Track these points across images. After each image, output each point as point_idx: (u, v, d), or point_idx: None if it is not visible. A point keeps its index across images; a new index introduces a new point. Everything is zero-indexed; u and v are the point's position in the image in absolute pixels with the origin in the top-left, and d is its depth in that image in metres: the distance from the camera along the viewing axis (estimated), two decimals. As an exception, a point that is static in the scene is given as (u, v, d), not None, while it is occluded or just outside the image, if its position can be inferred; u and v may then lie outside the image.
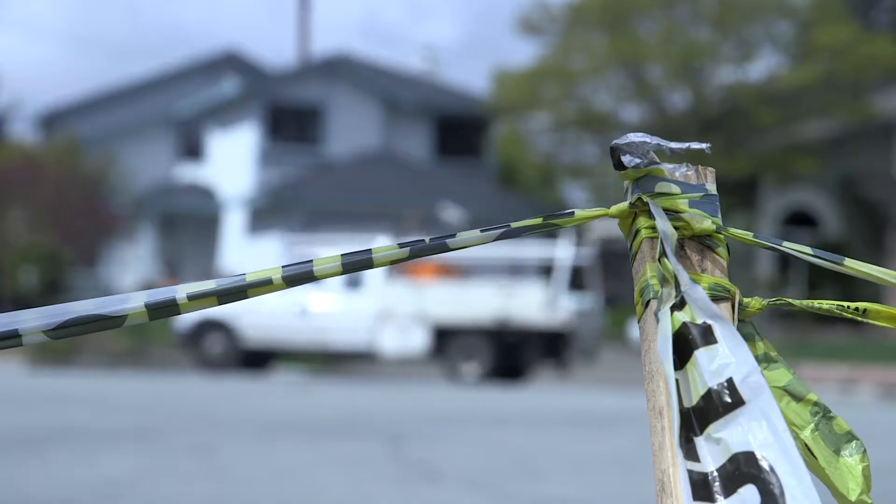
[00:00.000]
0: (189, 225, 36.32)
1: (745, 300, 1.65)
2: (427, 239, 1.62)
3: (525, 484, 8.66)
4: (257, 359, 22.53)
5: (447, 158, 37.28)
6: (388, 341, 21.66)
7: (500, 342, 21.72)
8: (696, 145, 1.61)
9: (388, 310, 21.68)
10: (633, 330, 28.21)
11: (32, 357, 22.70)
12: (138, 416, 12.92)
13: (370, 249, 1.61)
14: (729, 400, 1.46)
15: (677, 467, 1.48)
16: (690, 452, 1.47)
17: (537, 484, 8.70)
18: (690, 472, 1.46)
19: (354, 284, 21.71)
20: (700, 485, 1.45)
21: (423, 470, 9.20)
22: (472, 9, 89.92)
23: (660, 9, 31.00)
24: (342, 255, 1.61)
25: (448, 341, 21.77)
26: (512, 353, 21.92)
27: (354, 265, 1.61)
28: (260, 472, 8.93)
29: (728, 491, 1.43)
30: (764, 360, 1.69)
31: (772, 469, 1.41)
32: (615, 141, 1.62)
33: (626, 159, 1.61)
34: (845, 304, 1.70)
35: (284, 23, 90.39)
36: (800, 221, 32.35)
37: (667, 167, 1.62)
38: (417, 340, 21.68)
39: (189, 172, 38.32)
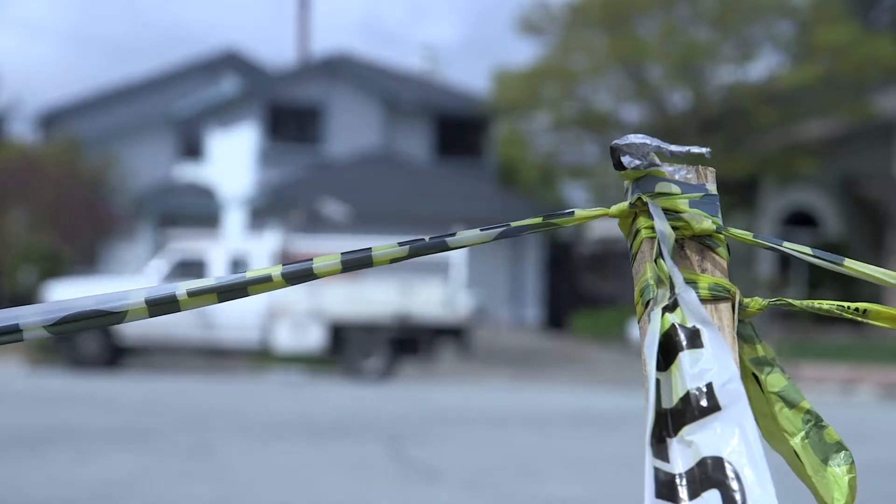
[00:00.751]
0: (189, 225, 36.26)
1: (746, 300, 1.64)
2: (426, 238, 1.62)
3: (525, 484, 8.65)
4: (119, 354, 22.03)
5: (447, 158, 37.26)
6: (283, 338, 21.55)
7: (400, 339, 21.91)
8: (696, 149, 1.61)
9: (282, 307, 21.65)
10: (634, 330, 28.22)
11: (32, 357, 22.68)
12: (138, 416, 12.90)
13: (370, 248, 1.61)
14: (706, 404, 1.46)
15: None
16: (661, 452, 1.47)
17: (537, 484, 8.69)
18: (658, 471, 1.45)
19: None
20: (666, 485, 1.45)
21: (423, 470, 9.19)
22: (472, 9, 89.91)
23: (660, 9, 30.98)
24: (342, 253, 1.61)
25: (346, 338, 21.80)
26: (412, 350, 22.11)
27: (354, 263, 1.61)
28: (259, 473, 8.92)
29: (692, 494, 1.43)
30: (762, 364, 1.69)
31: (738, 477, 1.41)
32: (615, 141, 1.62)
33: (625, 160, 1.61)
34: (845, 304, 1.70)
35: (284, 23, 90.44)
36: (800, 221, 32.33)
37: (667, 169, 1.62)
38: (313, 337, 21.65)
39: (189, 172, 38.31)
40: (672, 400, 1.48)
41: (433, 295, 22.00)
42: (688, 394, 1.47)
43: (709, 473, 1.42)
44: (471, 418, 13.73)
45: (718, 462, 1.42)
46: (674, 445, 1.47)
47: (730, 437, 1.43)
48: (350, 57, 38.02)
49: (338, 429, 12.12)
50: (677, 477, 1.44)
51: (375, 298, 21.78)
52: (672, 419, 1.47)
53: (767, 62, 31.89)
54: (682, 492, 1.43)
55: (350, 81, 36.28)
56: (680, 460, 1.45)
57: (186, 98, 39.06)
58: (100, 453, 9.68)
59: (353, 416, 13.64)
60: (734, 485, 1.40)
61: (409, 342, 21.99)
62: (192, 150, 38.76)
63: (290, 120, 36.26)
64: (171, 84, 40.53)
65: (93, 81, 67.04)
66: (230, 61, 41.60)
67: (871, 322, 1.68)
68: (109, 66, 72.77)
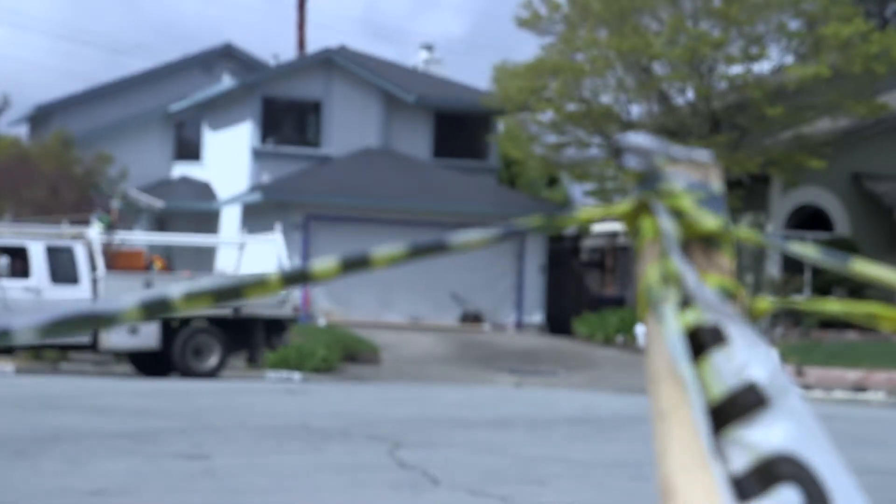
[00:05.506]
0: (184, 222, 36.14)
1: (752, 301, 1.62)
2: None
3: (527, 491, 8.58)
4: None
5: (448, 155, 37.07)
6: (115, 335, 21.27)
7: (233, 332, 22.06)
8: (698, 153, 1.60)
9: None
10: (640, 330, 28.23)
11: (17, 360, 22.54)
12: (131, 420, 12.76)
13: (369, 250, 1.60)
14: (753, 400, 1.44)
15: (686, 471, 1.45)
16: (712, 453, 1.45)
17: (540, 490, 8.63)
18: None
19: (70, 280, 21.31)
20: (727, 483, 1.43)
21: (423, 475, 9.12)
22: (474, 4, 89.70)
23: (665, 2, 30.84)
24: (341, 256, 1.60)
25: (179, 333, 21.76)
26: (244, 343, 22.36)
27: (353, 265, 1.60)
28: (257, 478, 8.85)
29: (762, 490, 1.41)
30: None
31: (809, 467, 1.39)
32: (619, 140, 1.61)
33: (628, 160, 1.59)
34: (853, 306, 1.68)
35: (283, 18, 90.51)
36: (809, 219, 32.19)
37: (670, 170, 1.60)
38: (147, 334, 21.53)
39: (185, 169, 38.19)
40: (705, 399, 1.46)
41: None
42: (730, 391, 1.44)
43: (777, 469, 1.41)
44: (472, 422, 13.67)
45: (784, 456, 1.40)
46: (724, 444, 1.44)
47: (788, 429, 1.41)
48: (349, 52, 37.91)
49: (337, 432, 12.06)
50: (738, 474, 1.42)
51: None
52: (714, 417, 1.45)
53: (776, 58, 31.77)
54: (749, 489, 1.41)
55: (349, 77, 36.12)
56: (736, 458, 1.43)
57: (182, 94, 38.84)
58: (92, 459, 9.56)
59: (352, 420, 13.58)
60: (808, 475, 1.39)
61: (240, 338, 22.26)
62: (188, 146, 38.65)
63: (287, 116, 36.18)
64: (166, 80, 40.23)
65: (87, 78, 66.98)
66: (227, 57, 41.31)
67: (878, 325, 1.66)
68: (104, 62, 72.77)
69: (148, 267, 22.46)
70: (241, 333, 22.25)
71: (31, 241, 21.66)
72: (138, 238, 25.03)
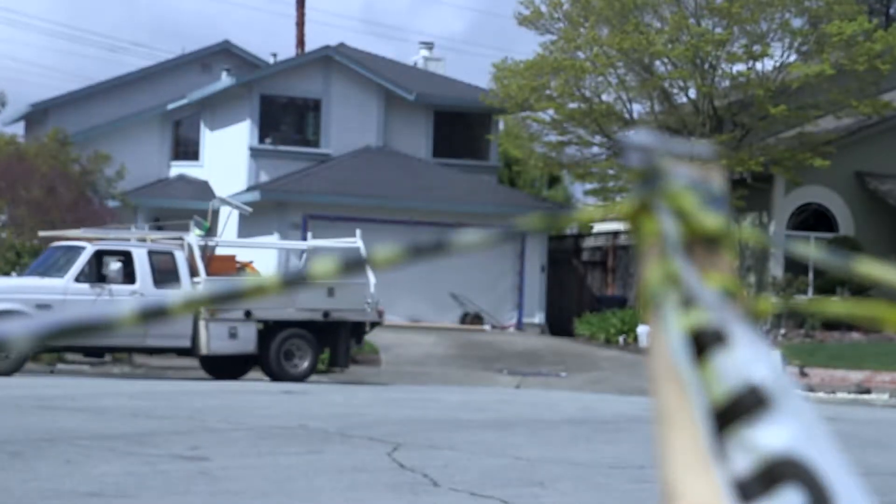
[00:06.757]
0: (181, 222, 36.05)
1: (754, 302, 1.61)
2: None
3: (529, 493, 8.56)
4: None
5: (448, 154, 37.03)
6: (215, 339, 21.34)
7: (324, 335, 22.15)
8: (701, 148, 1.58)
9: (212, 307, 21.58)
10: (642, 331, 28.24)
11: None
12: (129, 421, 12.71)
13: (369, 252, 1.59)
14: (754, 400, 1.42)
15: (688, 473, 1.44)
16: (716, 454, 1.44)
17: (542, 493, 8.61)
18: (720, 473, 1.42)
19: (172, 285, 21.15)
20: (730, 485, 1.42)
21: (423, 476, 9.09)
22: (475, 1, 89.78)
23: (668, 0, 30.83)
24: (340, 258, 1.58)
25: (274, 336, 21.76)
26: (334, 345, 22.44)
27: (352, 266, 1.59)
28: (255, 479, 8.82)
29: (766, 492, 1.39)
30: None
31: (812, 468, 1.39)
32: (621, 138, 1.59)
33: (631, 157, 1.58)
34: (856, 307, 1.65)
35: (282, 16, 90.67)
36: (813, 218, 32.19)
37: (673, 167, 1.59)
38: (246, 338, 21.56)
39: (182, 168, 38.16)
40: (707, 400, 1.44)
41: (353, 291, 22.14)
42: (731, 392, 1.44)
43: (780, 470, 1.40)
44: (473, 423, 13.64)
45: (787, 457, 1.39)
46: (727, 445, 1.42)
47: (791, 430, 1.40)
48: (348, 50, 37.87)
49: (336, 434, 12.03)
50: (740, 476, 1.42)
51: (300, 296, 21.78)
52: (717, 419, 1.44)
53: (779, 56, 31.79)
54: (752, 490, 1.40)
55: (348, 75, 36.08)
56: (739, 460, 1.42)
57: (180, 93, 38.78)
58: (89, 461, 9.51)
59: (351, 421, 13.55)
60: (812, 476, 1.38)
61: (327, 341, 22.31)
62: (186, 145, 38.61)
63: (286, 114, 36.14)
64: (164, 79, 40.13)
65: (84, 76, 67.02)
66: (225, 55, 41.25)
67: (882, 326, 1.65)
68: (101, 60, 72.93)
69: (240, 271, 22.49)
70: (328, 336, 22.29)
71: (134, 246, 21.76)
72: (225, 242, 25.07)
